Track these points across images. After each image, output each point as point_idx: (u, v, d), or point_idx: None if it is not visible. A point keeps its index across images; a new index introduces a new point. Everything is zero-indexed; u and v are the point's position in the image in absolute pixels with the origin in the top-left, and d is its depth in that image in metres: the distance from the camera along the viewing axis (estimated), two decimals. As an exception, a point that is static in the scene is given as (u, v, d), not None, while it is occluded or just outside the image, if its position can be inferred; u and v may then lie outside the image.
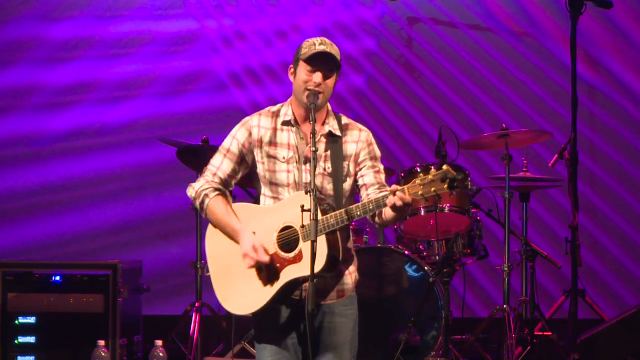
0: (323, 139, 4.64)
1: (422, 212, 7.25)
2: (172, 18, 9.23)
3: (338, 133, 4.66)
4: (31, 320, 7.20)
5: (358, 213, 4.45)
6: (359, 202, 4.55)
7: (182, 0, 9.22)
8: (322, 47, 4.56)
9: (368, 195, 4.59)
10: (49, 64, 9.17)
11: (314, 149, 4.44)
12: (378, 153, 4.71)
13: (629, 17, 9.06)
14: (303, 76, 4.57)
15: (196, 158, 7.42)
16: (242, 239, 4.56)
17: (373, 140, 4.72)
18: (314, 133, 4.47)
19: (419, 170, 7.24)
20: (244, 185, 7.11)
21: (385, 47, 9.19)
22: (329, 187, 4.60)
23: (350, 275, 4.68)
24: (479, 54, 9.11)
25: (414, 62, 9.19)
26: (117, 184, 9.14)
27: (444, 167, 4.30)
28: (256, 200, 4.75)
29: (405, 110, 9.16)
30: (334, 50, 4.58)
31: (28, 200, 9.13)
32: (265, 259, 4.50)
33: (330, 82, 4.59)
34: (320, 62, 4.56)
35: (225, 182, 4.71)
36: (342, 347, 4.63)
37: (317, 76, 4.56)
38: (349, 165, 4.65)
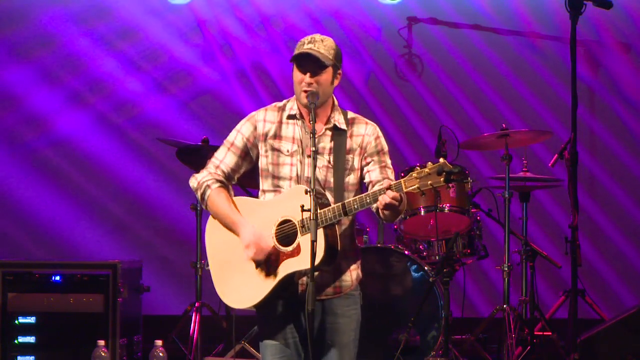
0: (328, 133, 4.64)
1: (422, 212, 7.25)
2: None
3: (344, 127, 4.66)
4: (31, 320, 7.20)
5: (355, 206, 4.45)
6: None
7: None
8: (307, 47, 4.57)
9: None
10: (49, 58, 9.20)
11: (313, 148, 4.45)
12: (385, 147, 4.70)
13: (632, 16, 9.07)
14: (296, 77, 4.60)
15: (196, 158, 7.41)
16: (242, 231, 4.57)
17: (380, 134, 4.71)
18: (313, 133, 4.48)
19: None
20: (244, 184, 7.11)
21: (385, 47, 9.19)
22: (332, 180, 4.60)
23: (351, 273, 4.68)
24: (479, 53, 9.10)
25: (414, 62, 9.19)
26: (117, 183, 9.14)
27: (441, 160, 4.30)
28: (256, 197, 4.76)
29: (405, 110, 9.15)
30: (322, 47, 4.57)
31: (27, 200, 9.13)
32: (269, 246, 4.51)
33: (323, 79, 4.58)
34: (306, 61, 4.57)
35: (227, 176, 4.73)
36: (346, 348, 4.64)
37: (306, 77, 4.57)
38: (353, 159, 4.65)
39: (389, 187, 4.36)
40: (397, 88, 9.17)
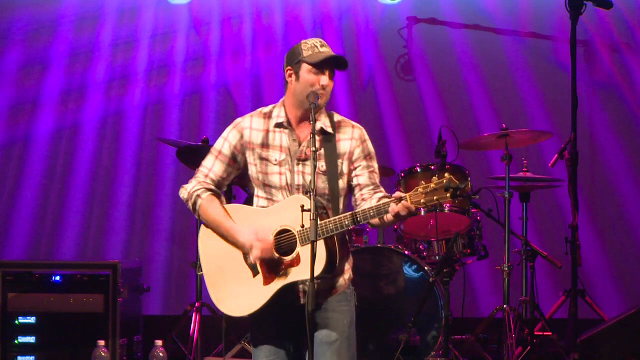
0: (316, 137, 4.61)
1: (422, 212, 7.25)
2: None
3: (330, 130, 4.64)
4: (31, 320, 7.20)
5: (359, 219, 4.46)
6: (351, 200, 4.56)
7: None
8: (326, 50, 4.56)
9: (362, 195, 4.59)
10: (54, 63, 9.21)
11: (313, 148, 4.43)
12: (372, 150, 4.70)
13: (631, 16, 9.08)
14: (309, 79, 4.56)
15: (196, 158, 7.40)
16: (240, 235, 4.55)
17: (367, 137, 4.70)
18: (313, 133, 4.46)
19: (418, 170, 7.25)
20: (244, 185, 7.11)
21: (385, 47, 9.19)
22: (323, 185, 4.60)
23: (344, 273, 4.67)
24: (478, 53, 9.11)
25: (414, 62, 9.20)
26: (117, 183, 9.14)
27: (446, 175, 4.29)
28: (248, 201, 4.75)
29: (405, 110, 9.15)
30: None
31: (28, 200, 9.13)
32: (270, 241, 4.48)
33: (332, 82, 4.60)
34: (327, 65, 4.56)
35: (217, 184, 4.70)
36: (337, 342, 4.60)
37: (325, 79, 4.56)
38: (342, 163, 4.64)
39: (401, 199, 4.36)
40: (397, 88, 9.17)
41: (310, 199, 4.36)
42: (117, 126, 9.17)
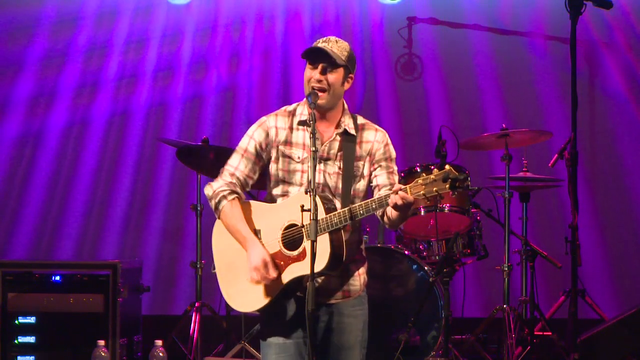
0: (338, 138, 4.63)
1: (422, 212, 7.26)
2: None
3: (353, 132, 4.65)
4: (31, 320, 7.20)
5: (361, 212, 4.45)
6: None
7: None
8: (321, 45, 4.57)
9: (380, 195, 4.59)
10: (54, 61, 9.21)
11: (313, 149, 4.43)
12: (394, 154, 4.71)
13: (631, 16, 9.07)
14: (306, 74, 4.59)
15: (196, 158, 7.42)
16: (251, 251, 4.54)
17: (389, 141, 4.72)
18: (313, 133, 4.46)
19: (418, 170, 7.25)
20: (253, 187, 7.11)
21: (385, 47, 9.19)
22: (342, 186, 4.60)
23: (359, 277, 4.69)
24: (479, 53, 9.11)
25: (414, 62, 9.19)
26: (117, 183, 9.14)
27: (446, 167, 4.29)
28: (265, 199, 4.75)
29: (405, 110, 9.15)
30: (335, 47, 4.57)
31: (32, 199, 9.13)
32: (274, 275, 4.50)
33: (333, 78, 4.57)
34: (318, 58, 4.56)
35: (243, 183, 4.68)
36: (352, 348, 4.65)
37: (315, 72, 4.56)
38: (364, 165, 4.65)
39: (399, 190, 4.35)
40: (397, 88, 9.17)
41: (310, 199, 4.36)
42: (122, 126, 9.18)
